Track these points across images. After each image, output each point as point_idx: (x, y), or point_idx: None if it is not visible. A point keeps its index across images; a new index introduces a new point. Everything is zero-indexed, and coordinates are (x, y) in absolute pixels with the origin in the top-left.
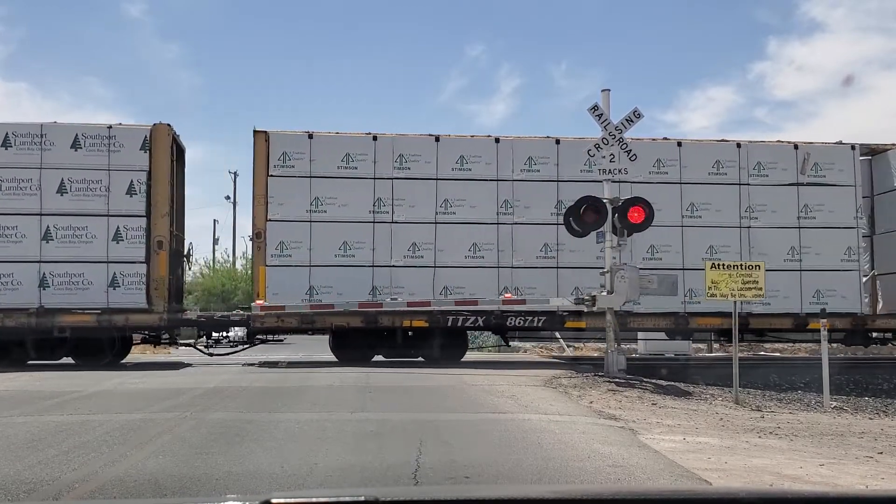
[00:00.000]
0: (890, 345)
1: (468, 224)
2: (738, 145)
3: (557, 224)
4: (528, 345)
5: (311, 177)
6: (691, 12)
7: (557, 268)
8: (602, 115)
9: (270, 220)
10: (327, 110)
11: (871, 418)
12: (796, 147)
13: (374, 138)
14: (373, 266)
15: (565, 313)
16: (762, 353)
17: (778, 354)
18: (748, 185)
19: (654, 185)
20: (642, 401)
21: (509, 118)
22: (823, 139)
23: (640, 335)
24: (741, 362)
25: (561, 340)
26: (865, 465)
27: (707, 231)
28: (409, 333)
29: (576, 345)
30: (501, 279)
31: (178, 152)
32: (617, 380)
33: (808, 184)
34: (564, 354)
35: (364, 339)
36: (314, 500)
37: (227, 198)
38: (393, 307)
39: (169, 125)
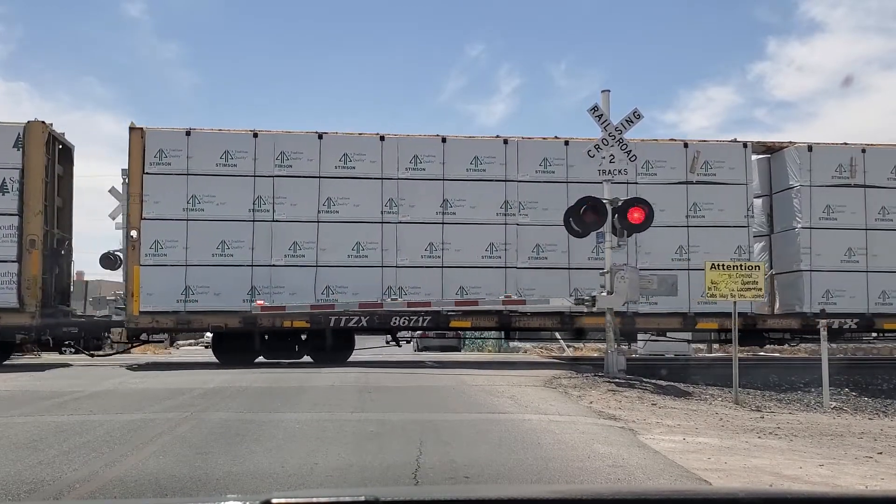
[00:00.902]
0: (789, 344)
1: (352, 223)
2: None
3: (443, 223)
4: (528, 345)
5: (188, 174)
6: (691, 12)
7: (442, 267)
8: (602, 115)
9: (145, 219)
10: (327, 110)
11: (870, 419)
12: (686, 145)
13: (255, 135)
14: (252, 266)
15: (451, 313)
16: (762, 353)
17: (777, 355)
18: (636, 183)
19: (541, 185)
20: (642, 401)
21: (509, 118)
22: (824, 139)
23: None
24: (741, 363)
25: (561, 341)
26: (865, 465)
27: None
28: (302, 335)
29: (575, 345)
30: (385, 278)
31: (64, 151)
32: (617, 380)
33: (698, 182)
34: (564, 355)
35: (246, 340)
36: (314, 500)
37: None
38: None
39: (44, 122)
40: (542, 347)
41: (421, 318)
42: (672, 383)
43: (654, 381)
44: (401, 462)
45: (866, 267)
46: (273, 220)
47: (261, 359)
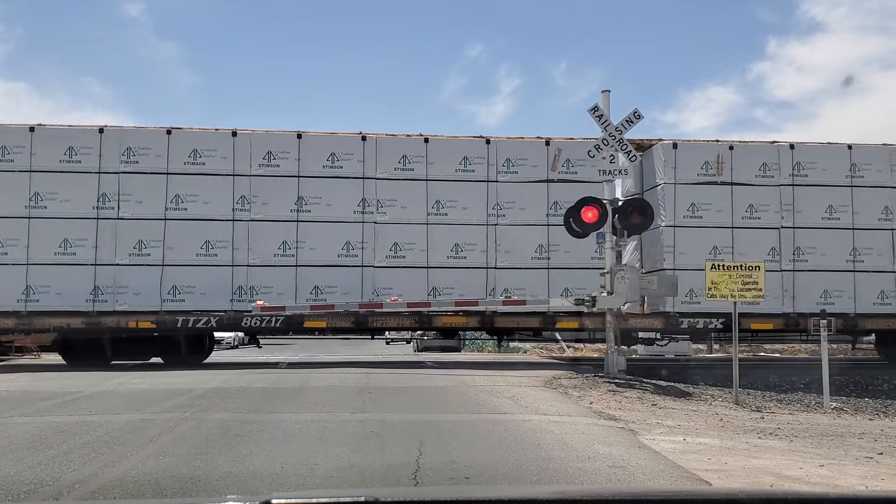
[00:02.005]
0: (657, 344)
1: (201, 221)
2: (487, 141)
3: (297, 221)
4: (528, 345)
5: (31, 171)
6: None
7: (297, 266)
8: (602, 115)
9: None
10: (327, 109)
11: (870, 419)
12: (547, 143)
13: (101, 131)
14: (95, 265)
15: (304, 313)
16: (762, 353)
17: (778, 355)
18: (496, 181)
19: (400, 182)
20: (642, 401)
21: (509, 118)
22: (823, 139)
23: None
24: (741, 363)
25: (561, 342)
26: (865, 465)
27: (453, 229)
28: (153, 336)
29: (576, 345)
30: (236, 278)
31: None
32: (617, 380)
33: (559, 180)
34: (564, 355)
35: (97, 341)
36: (314, 500)
37: None
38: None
39: None
40: (542, 348)
41: (274, 319)
42: (672, 384)
43: (654, 381)
44: (401, 462)
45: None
46: (118, 218)
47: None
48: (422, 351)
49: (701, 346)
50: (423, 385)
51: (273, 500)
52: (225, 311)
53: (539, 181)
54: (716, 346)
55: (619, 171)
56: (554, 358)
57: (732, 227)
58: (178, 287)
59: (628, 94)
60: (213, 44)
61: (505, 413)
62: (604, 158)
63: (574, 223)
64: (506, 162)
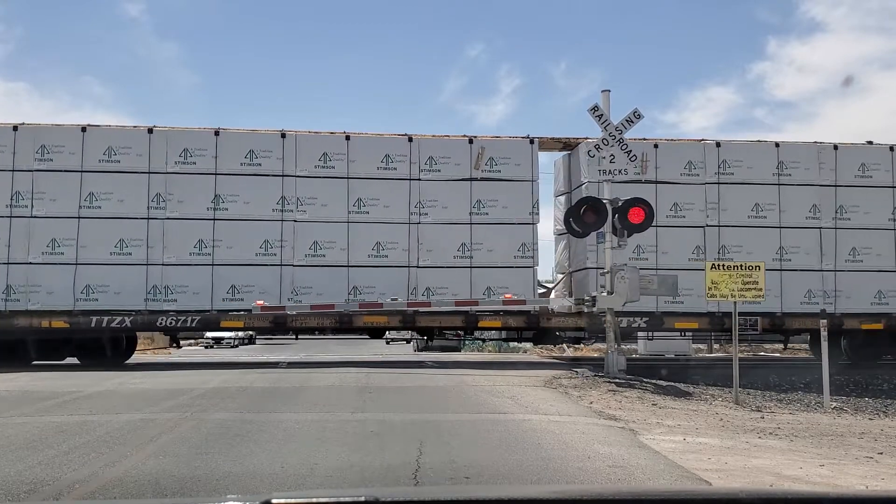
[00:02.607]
0: (584, 343)
1: (115, 219)
2: (410, 139)
3: (214, 220)
4: (527, 345)
5: None
6: (691, 12)
7: (213, 265)
8: (602, 115)
9: None
10: (327, 109)
11: (871, 419)
12: (471, 141)
13: (15, 128)
14: (8, 263)
15: (225, 312)
16: (762, 353)
17: (778, 355)
18: (419, 179)
19: (321, 180)
20: (642, 401)
21: (509, 118)
22: (823, 139)
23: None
24: (741, 363)
25: (563, 343)
26: (865, 465)
27: (374, 227)
28: (69, 336)
29: (576, 345)
30: (151, 277)
31: None
32: (617, 380)
33: (483, 178)
34: (564, 355)
35: (10, 342)
36: (314, 500)
37: None
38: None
39: None
40: (542, 348)
41: (190, 319)
42: (672, 383)
43: (654, 381)
44: (401, 462)
45: (655, 264)
46: (31, 217)
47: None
48: (422, 351)
49: (701, 346)
50: (423, 385)
51: (273, 500)
52: (139, 311)
53: (462, 179)
54: (716, 346)
55: (619, 171)
56: (554, 358)
57: (657, 226)
58: (91, 286)
59: (628, 94)
60: (213, 44)
61: (505, 413)
62: (604, 158)
63: (574, 223)
64: (429, 160)
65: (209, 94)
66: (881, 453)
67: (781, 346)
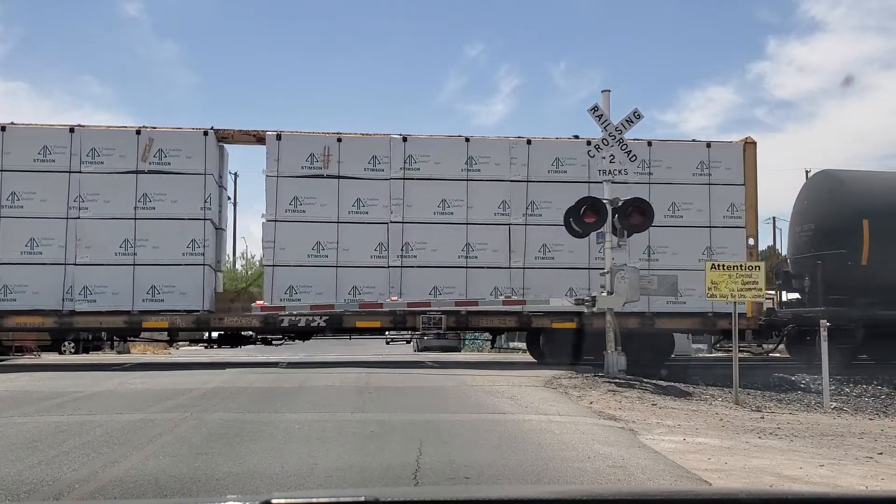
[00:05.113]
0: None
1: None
2: (72, 130)
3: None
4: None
5: None
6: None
7: (134, 265)
8: (602, 115)
9: None
10: (326, 109)
11: (870, 419)
12: (138, 132)
13: None
14: None
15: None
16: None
17: (777, 355)
18: (80, 172)
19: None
20: (642, 401)
21: (509, 118)
22: (823, 139)
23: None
24: (741, 363)
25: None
26: (865, 465)
27: (28, 223)
28: None
29: None
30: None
31: None
32: (617, 380)
33: (150, 172)
34: None
35: None
36: (314, 500)
37: (229, 198)
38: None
39: None
40: None
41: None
42: (672, 383)
43: (654, 381)
44: (401, 462)
45: (336, 262)
46: None
47: None
48: (422, 351)
49: (701, 346)
50: (423, 385)
51: (273, 500)
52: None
53: (128, 172)
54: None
55: (619, 171)
56: None
57: (338, 222)
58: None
59: (628, 94)
60: (213, 43)
61: (505, 413)
62: (604, 158)
63: (574, 223)
64: (91, 151)
65: (209, 94)
66: (881, 453)
67: (771, 346)
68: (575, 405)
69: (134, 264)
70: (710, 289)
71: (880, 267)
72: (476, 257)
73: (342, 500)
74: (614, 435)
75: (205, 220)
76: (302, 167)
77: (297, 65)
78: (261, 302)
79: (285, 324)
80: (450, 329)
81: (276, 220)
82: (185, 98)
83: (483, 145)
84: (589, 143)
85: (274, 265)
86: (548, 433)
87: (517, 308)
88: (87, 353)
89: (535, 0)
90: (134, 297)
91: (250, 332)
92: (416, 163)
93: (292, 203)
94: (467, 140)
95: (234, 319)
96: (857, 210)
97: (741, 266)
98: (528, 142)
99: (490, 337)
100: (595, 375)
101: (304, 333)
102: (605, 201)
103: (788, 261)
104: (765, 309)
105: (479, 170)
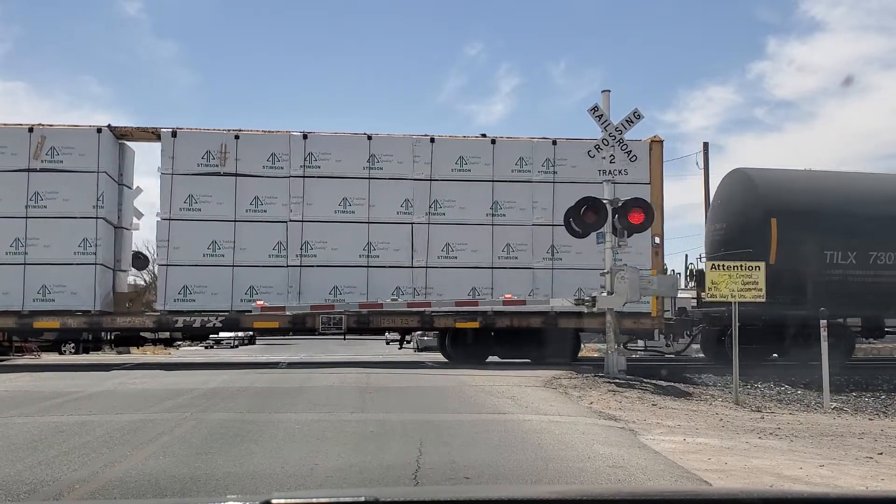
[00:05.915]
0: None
1: None
2: None
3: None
4: None
5: None
6: (691, 12)
7: (25, 265)
8: (602, 115)
9: None
10: (326, 109)
11: (870, 419)
12: (31, 129)
13: None
14: None
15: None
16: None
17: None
18: None
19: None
20: (642, 402)
21: (508, 118)
22: (823, 139)
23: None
24: (741, 363)
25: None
26: (865, 465)
27: None
28: None
29: None
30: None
31: None
32: (617, 380)
33: (42, 170)
34: None
35: None
36: (314, 500)
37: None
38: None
39: None
40: None
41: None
42: (672, 384)
43: (654, 381)
44: (401, 462)
45: (232, 261)
46: None
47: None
48: (422, 351)
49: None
50: (423, 385)
51: (273, 500)
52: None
53: (19, 170)
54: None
55: (619, 171)
56: None
57: (235, 221)
58: None
59: (628, 93)
60: (213, 43)
61: (505, 413)
62: (604, 158)
63: (574, 223)
64: None
65: (209, 94)
66: (881, 453)
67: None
68: (575, 405)
69: (25, 263)
70: (710, 289)
71: (787, 266)
72: (378, 256)
73: (342, 500)
74: (614, 435)
75: (97, 218)
76: (198, 164)
77: (297, 65)
78: (261, 302)
79: (180, 324)
80: (351, 330)
81: (170, 219)
82: (185, 98)
83: (386, 143)
84: (494, 142)
85: (168, 265)
86: (548, 433)
87: (420, 309)
88: (87, 353)
89: (534, 0)
90: (24, 297)
91: (148, 333)
92: (316, 160)
93: (187, 201)
94: (370, 138)
95: (128, 320)
96: (766, 209)
97: (741, 266)
98: (432, 140)
99: None
100: (595, 375)
101: (199, 336)
102: (605, 201)
103: (703, 260)
104: (677, 308)
105: (381, 168)
